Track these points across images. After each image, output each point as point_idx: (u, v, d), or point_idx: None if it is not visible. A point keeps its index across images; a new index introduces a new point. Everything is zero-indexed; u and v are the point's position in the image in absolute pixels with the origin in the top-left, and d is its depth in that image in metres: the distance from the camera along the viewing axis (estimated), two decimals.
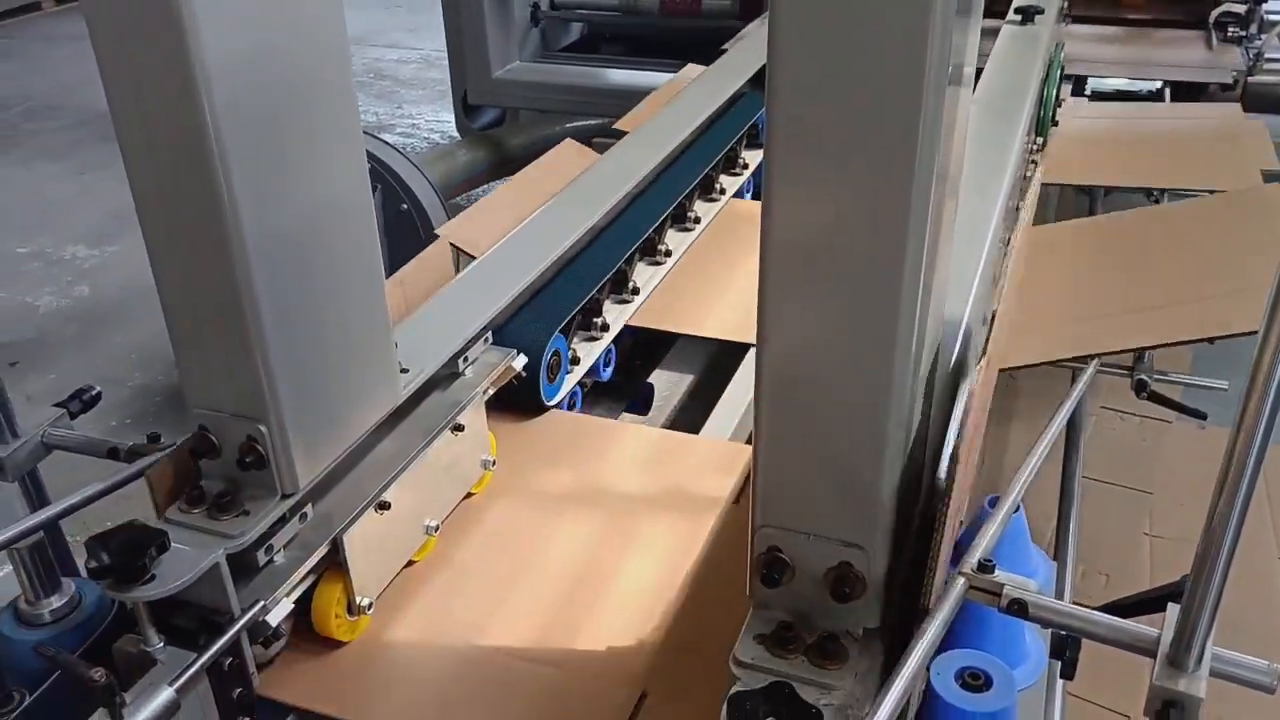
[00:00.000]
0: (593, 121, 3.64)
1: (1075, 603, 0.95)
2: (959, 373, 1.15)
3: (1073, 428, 1.80)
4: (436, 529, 1.39)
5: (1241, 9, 3.30)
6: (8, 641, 1.12)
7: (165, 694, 0.96)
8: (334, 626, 1.25)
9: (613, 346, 1.88)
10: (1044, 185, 2.25)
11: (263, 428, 1.06)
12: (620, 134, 2.37)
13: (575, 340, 1.80)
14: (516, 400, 1.63)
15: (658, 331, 1.95)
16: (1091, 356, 1.63)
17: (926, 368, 0.94)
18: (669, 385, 1.92)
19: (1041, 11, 2.65)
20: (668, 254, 2.10)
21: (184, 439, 1.14)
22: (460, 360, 1.47)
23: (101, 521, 1.03)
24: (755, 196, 2.52)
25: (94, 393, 1.27)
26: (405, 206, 3.02)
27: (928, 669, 1.14)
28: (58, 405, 1.22)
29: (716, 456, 1.59)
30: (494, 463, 1.51)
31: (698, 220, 2.23)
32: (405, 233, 3.03)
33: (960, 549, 1.01)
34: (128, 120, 0.98)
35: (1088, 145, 2.56)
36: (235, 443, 1.08)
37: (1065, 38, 3.06)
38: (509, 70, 3.94)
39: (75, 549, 1.24)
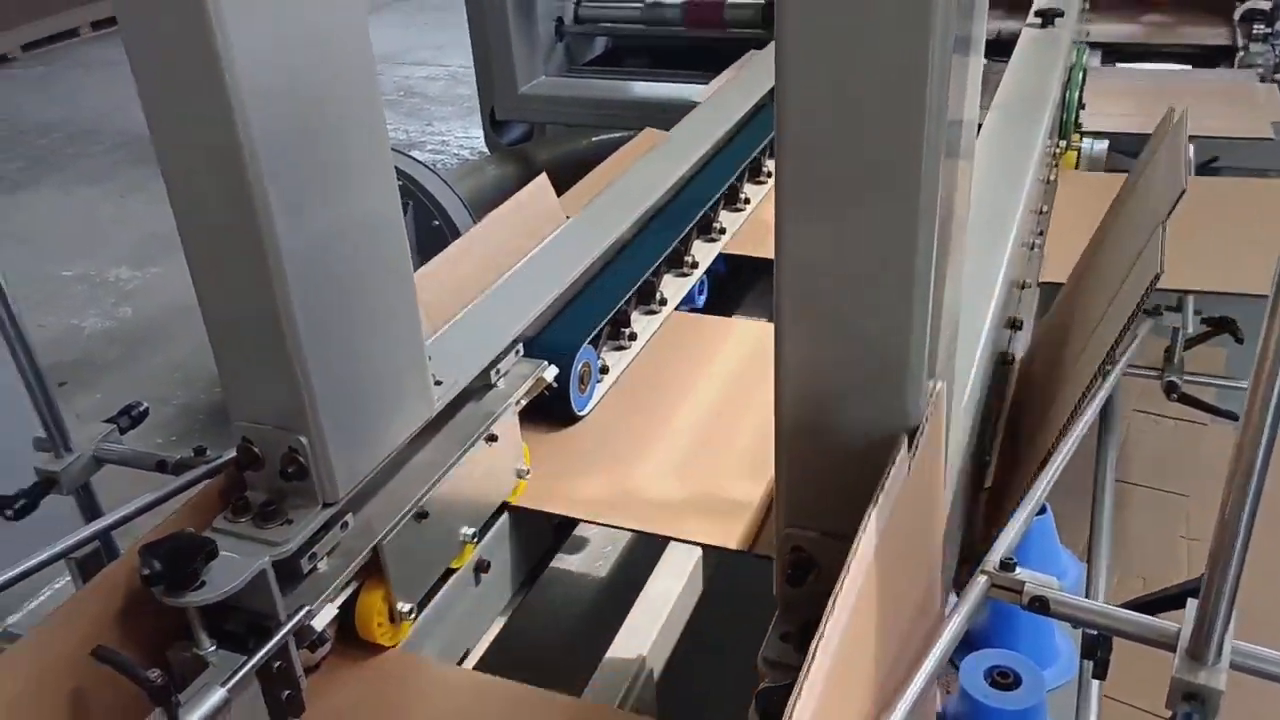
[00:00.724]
0: (618, 134, 3.68)
1: None
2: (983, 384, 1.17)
3: (1105, 430, 1.81)
4: (474, 537, 1.43)
5: (1268, 4, 3.29)
6: None
7: (218, 694, 1.00)
8: (377, 632, 1.29)
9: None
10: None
11: (303, 439, 1.10)
12: None
13: (604, 350, 1.84)
14: (549, 411, 1.67)
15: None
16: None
17: (943, 370, 0.97)
18: None
19: (1061, 14, 2.67)
20: (694, 265, 2.13)
21: (228, 453, 1.19)
22: (493, 372, 1.51)
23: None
24: None
25: (142, 409, 1.32)
26: (437, 223, 3.08)
27: (955, 666, 1.16)
28: (108, 421, 1.27)
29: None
30: (528, 472, 1.55)
31: (723, 230, 2.26)
32: (437, 248, 3.08)
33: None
34: (168, 144, 1.03)
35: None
36: (277, 454, 1.12)
37: (1087, 39, 3.07)
38: (535, 85, 4.00)
39: None
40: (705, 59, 3.74)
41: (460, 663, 1.39)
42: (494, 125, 4.20)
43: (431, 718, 1.22)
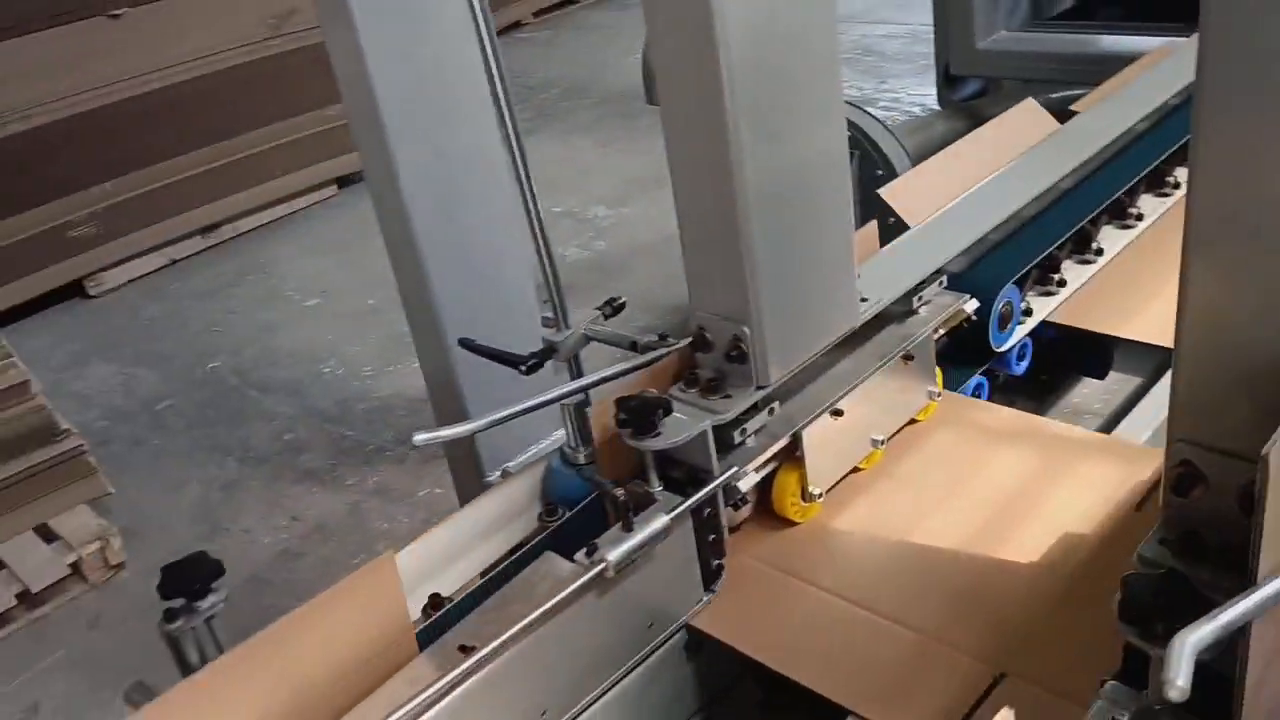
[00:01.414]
0: (1077, 91, 3.55)
1: None
2: None
3: None
4: (882, 443, 1.59)
5: None
6: (557, 474, 1.49)
7: (663, 519, 1.25)
8: (789, 508, 1.50)
9: (1029, 341, 1.88)
10: None
11: (746, 329, 1.32)
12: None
13: (1030, 294, 1.89)
14: (965, 344, 1.77)
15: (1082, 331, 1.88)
16: None
17: None
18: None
19: None
20: (1139, 218, 2.09)
21: (682, 342, 1.44)
22: (915, 298, 1.64)
23: None
24: None
25: (620, 302, 1.62)
26: (880, 173, 3.21)
27: None
28: (596, 309, 1.58)
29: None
30: (939, 394, 1.67)
31: (1177, 185, 2.18)
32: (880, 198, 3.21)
33: None
34: (665, 81, 1.27)
35: None
36: (724, 340, 1.35)
37: None
38: (994, 40, 3.96)
39: None
40: (1185, 7, 3.48)
41: None
42: (947, 81, 4.21)
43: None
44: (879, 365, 1.55)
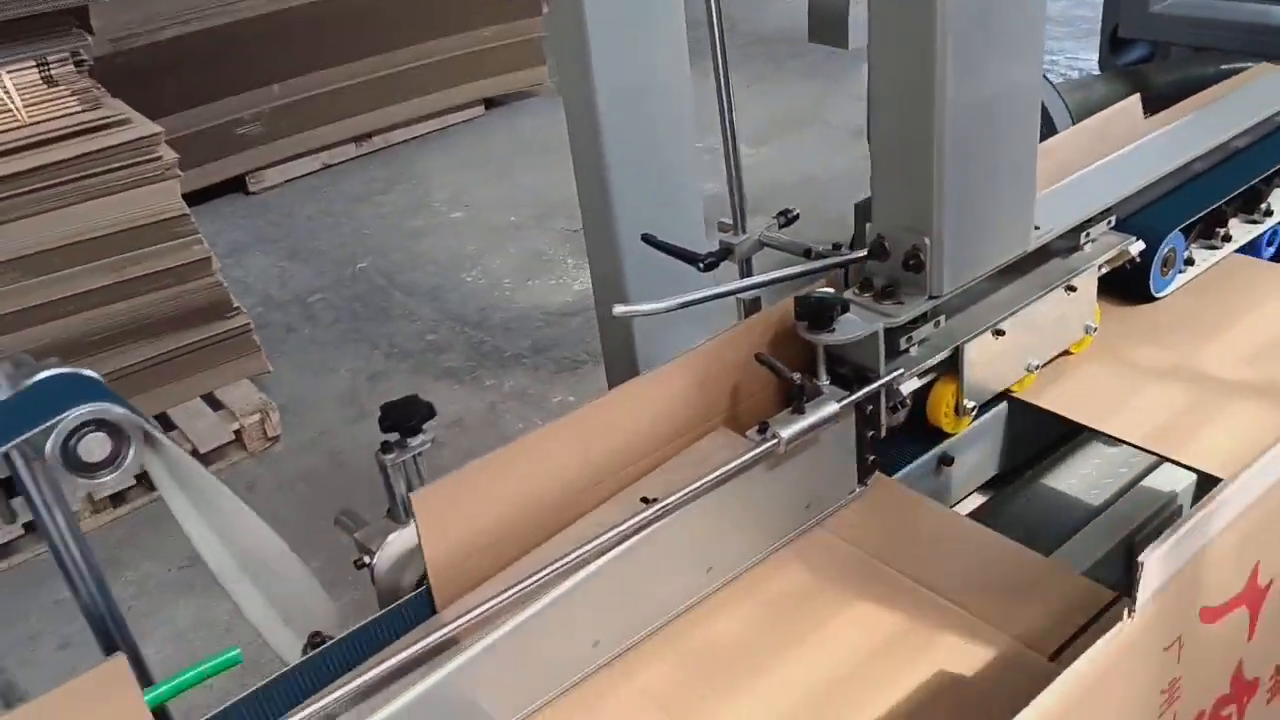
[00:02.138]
0: (1249, 63, 3.45)
1: None
2: None
3: None
4: (1036, 368, 1.65)
5: None
6: None
7: (833, 406, 1.35)
8: (942, 419, 1.58)
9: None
10: None
11: (926, 240, 1.40)
12: None
13: (1194, 245, 1.91)
14: (1127, 285, 1.81)
15: None
16: None
17: None
18: None
19: None
20: None
21: (855, 253, 1.52)
22: (1083, 234, 1.69)
23: None
24: None
25: (795, 213, 1.71)
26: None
27: None
28: (772, 218, 1.68)
29: None
30: (1095, 329, 1.72)
31: None
32: None
33: None
34: (880, 10, 1.36)
35: None
36: (902, 249, 1.43)
37: None
38: (1170, 4, 3.86)
39: None
40: None
41: None
42: (1113, 45, 4.12)
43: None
44: (1043, 293, 1.61)
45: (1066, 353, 1.72)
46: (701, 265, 1.60)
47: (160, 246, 3.11)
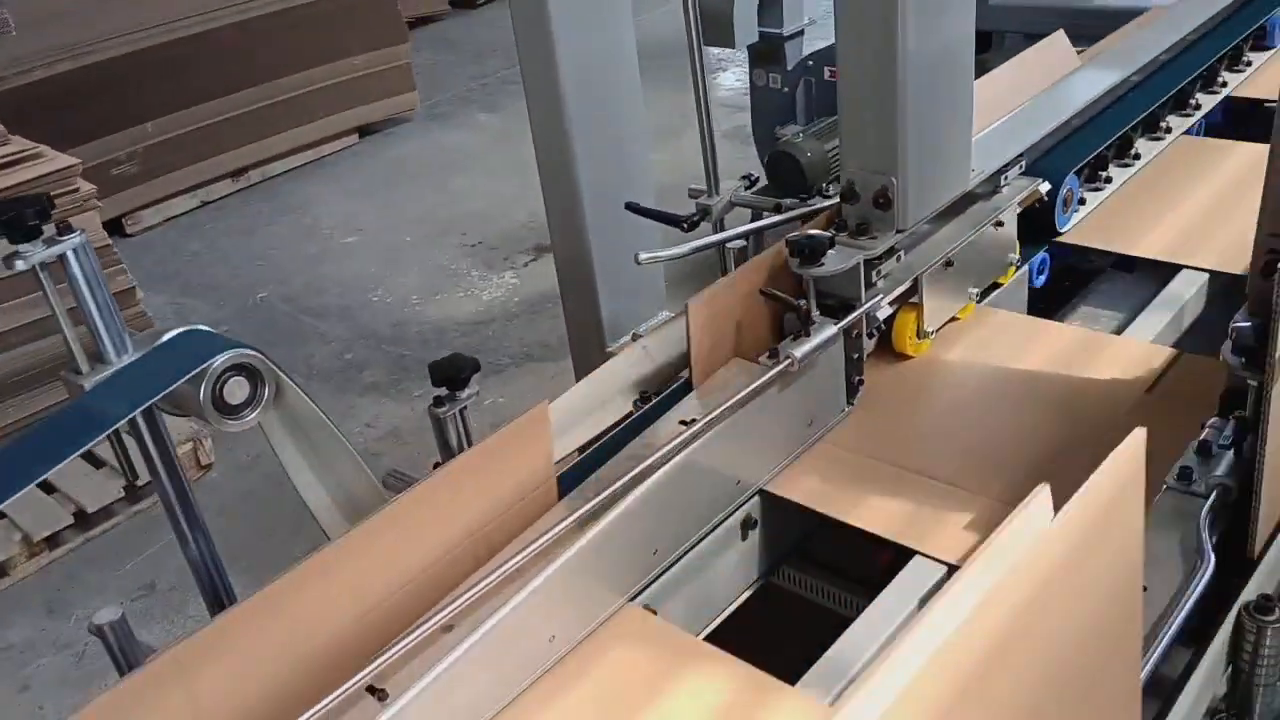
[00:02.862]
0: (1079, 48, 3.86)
1: None
2: None
3: None
4: (978, 298, 1.89)
5: None
6: None
7: (831, 327, 1.55)
8: (907, 344, 1.80)
9: (1047, 256, 2.10)
10: None
11: (894, 179, 1.62)
12: None
13: (1084, 188, 2.21)
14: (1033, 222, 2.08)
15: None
16: None
17: None
18: None
19: None
20: (1168, 130, 2.42)
21: (825, 203, 1.74)
22: (1001, 178, 1.95)
23: None
24: None
25: (756, 177, 1.91)
26: None
27: None
28: (740, 180, 1.88)
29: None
30: (1018, 261, 1.98)
31: (1198, 107, 2.51)
32: None
33: None
34: None
35: None
36: (872, 190, 1.65)
37: None
38: None
39: None
40: None
41: None
42: None
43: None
44: (978, 228, 1.86)
45: (997, 284, 1.98)
46: (685, 226, 1.79)
47: None
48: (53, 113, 4.72)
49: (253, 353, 1.10)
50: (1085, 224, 2.15)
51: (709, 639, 1.45)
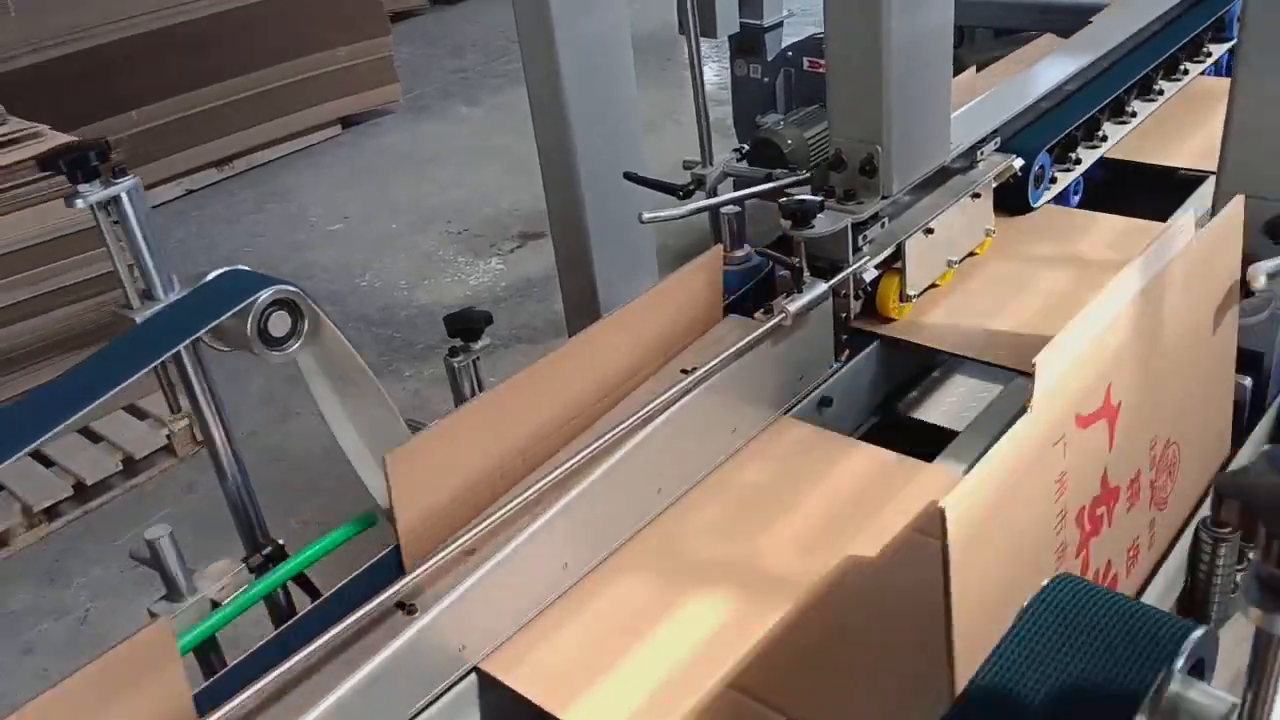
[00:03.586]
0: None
1: None
2: None
3: None
4: (953, 264, 2.01)
5: None
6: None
7: (821, 285, 1.66)
8: (890, 307, 1.91)
9: (1082, 179, 2.36)
10: None
11: (879, 147, 1.73)
12: None
13: (1055, 167, 2.33)
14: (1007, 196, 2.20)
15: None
16: None
17: None
18: None
19: None
20: (1133, 114, 2.55)
21: (819, 165, 1.84)
22: (978, 152, 2.06)
23: None
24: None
25: (745, 148, 2.01)
26: None
27: None
28: (732, 152, 1.98)
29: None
30: (994, 231, 2.10)
31: (1161, 93, 2.64)
32: None
33: None
34: None
35: None
36: (858, 158, 1.76)
37: None
38: None
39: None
40: None
41: None
42: None
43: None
44: (956, 199, 1.97)
45: (973, 254, 2.09)
46: (680, 194, 1.89)
47: (80, 257, 3.14)
48: (39, 98, 4.75)
49: (294, 289, 1.19)
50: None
51: None
